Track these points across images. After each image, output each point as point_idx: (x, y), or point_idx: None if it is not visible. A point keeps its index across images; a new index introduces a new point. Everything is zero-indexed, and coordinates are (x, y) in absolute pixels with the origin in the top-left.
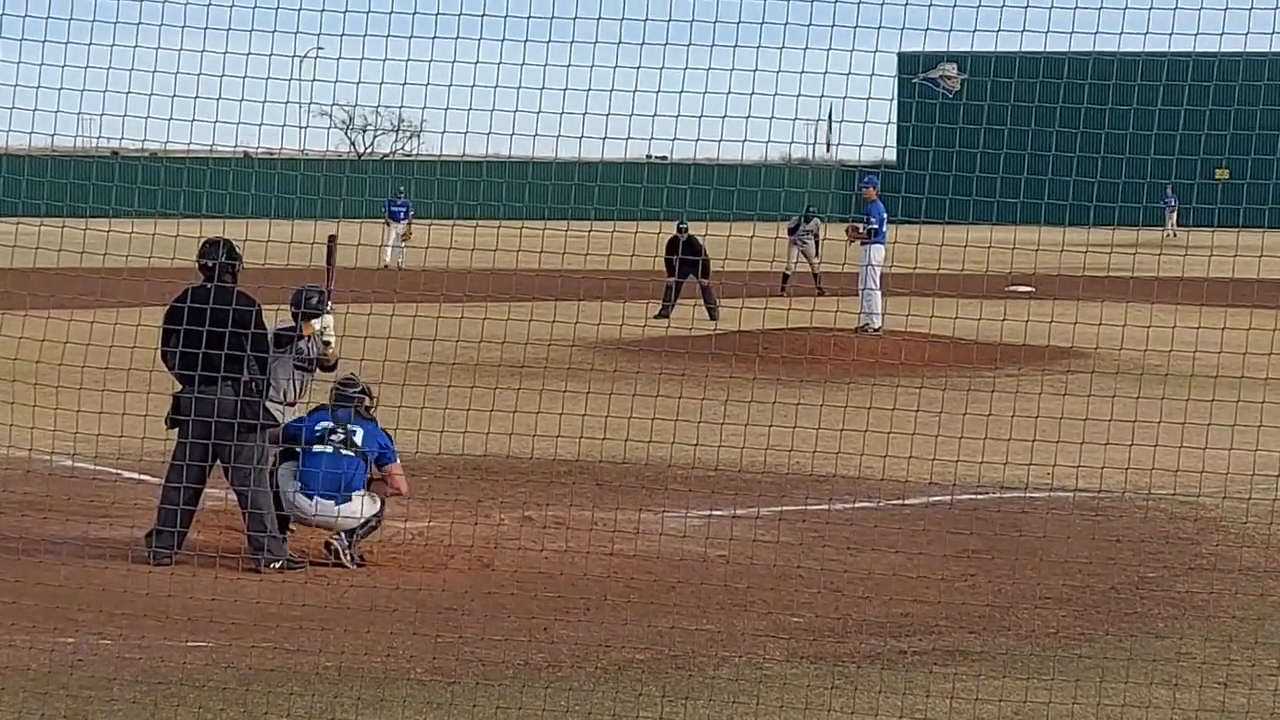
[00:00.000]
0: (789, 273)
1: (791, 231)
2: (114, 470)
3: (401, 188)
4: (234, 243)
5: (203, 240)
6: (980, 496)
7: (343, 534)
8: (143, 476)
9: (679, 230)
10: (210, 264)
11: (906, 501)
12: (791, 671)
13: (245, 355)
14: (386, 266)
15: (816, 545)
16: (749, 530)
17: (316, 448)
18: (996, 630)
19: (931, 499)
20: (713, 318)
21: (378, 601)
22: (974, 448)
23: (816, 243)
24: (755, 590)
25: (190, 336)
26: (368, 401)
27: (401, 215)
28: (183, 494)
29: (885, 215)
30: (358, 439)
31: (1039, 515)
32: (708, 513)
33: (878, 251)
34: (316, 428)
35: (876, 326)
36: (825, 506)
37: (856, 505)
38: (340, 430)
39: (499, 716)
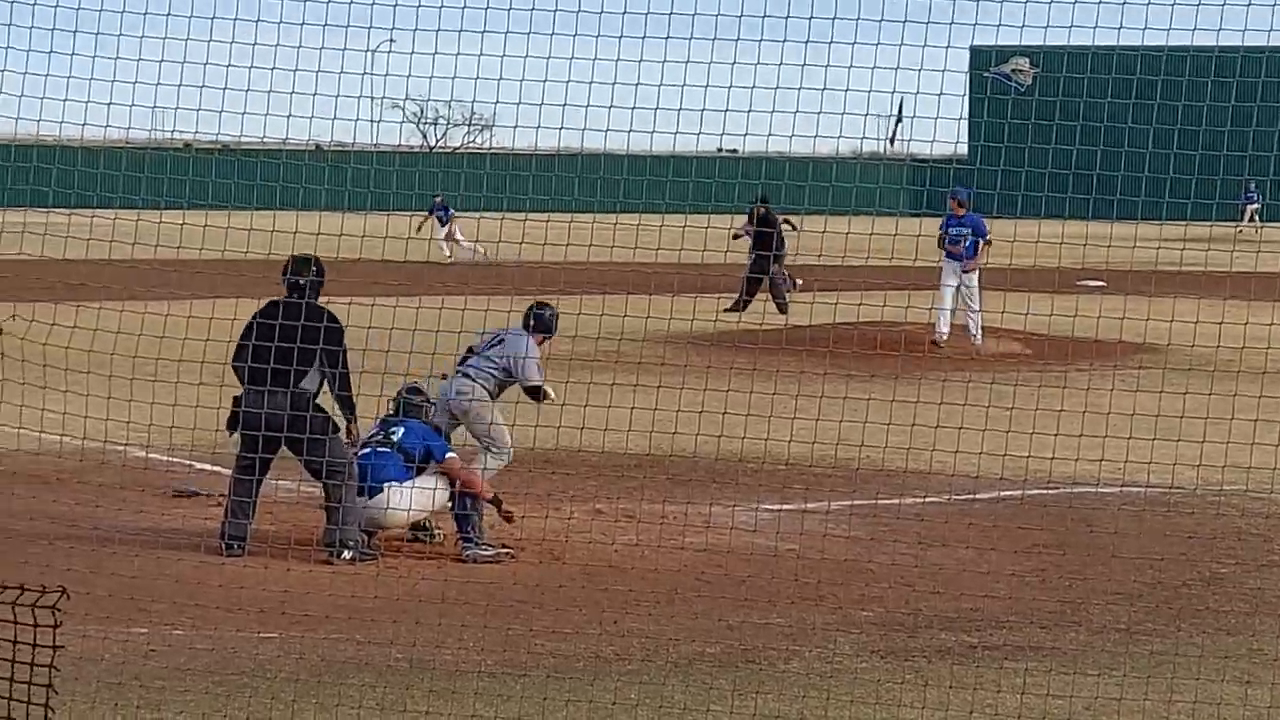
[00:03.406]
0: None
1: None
2: (187, 461)
3: (439, 193)
4: (321, 260)
5: (292, 257)
6: (1051, 492)
7: (466, 544)
8: (215, 468)
9: (757, 204)
10: (301, 281)
11: (977, 497)
12: (861, 665)
13: (323, 369)
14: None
15: (887, 540)
16: (819, 524)
17: (360, 452)
18: (1067, 625)
19: (1002, 494)
20: (782, 312)
21: (449, 594)
22: (1045, 443)
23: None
24: (825, 584)
25: (268, 347)
26: (429, 409)
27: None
28: (247, 487)
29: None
30: (396, 437)
31: (1110, 511)
32: (778, 507)
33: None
34: (367, 434)
35: (944, 334)
36: (896, 501)
37: (927, 500)
38: (382, 433)
39: (569, 709)
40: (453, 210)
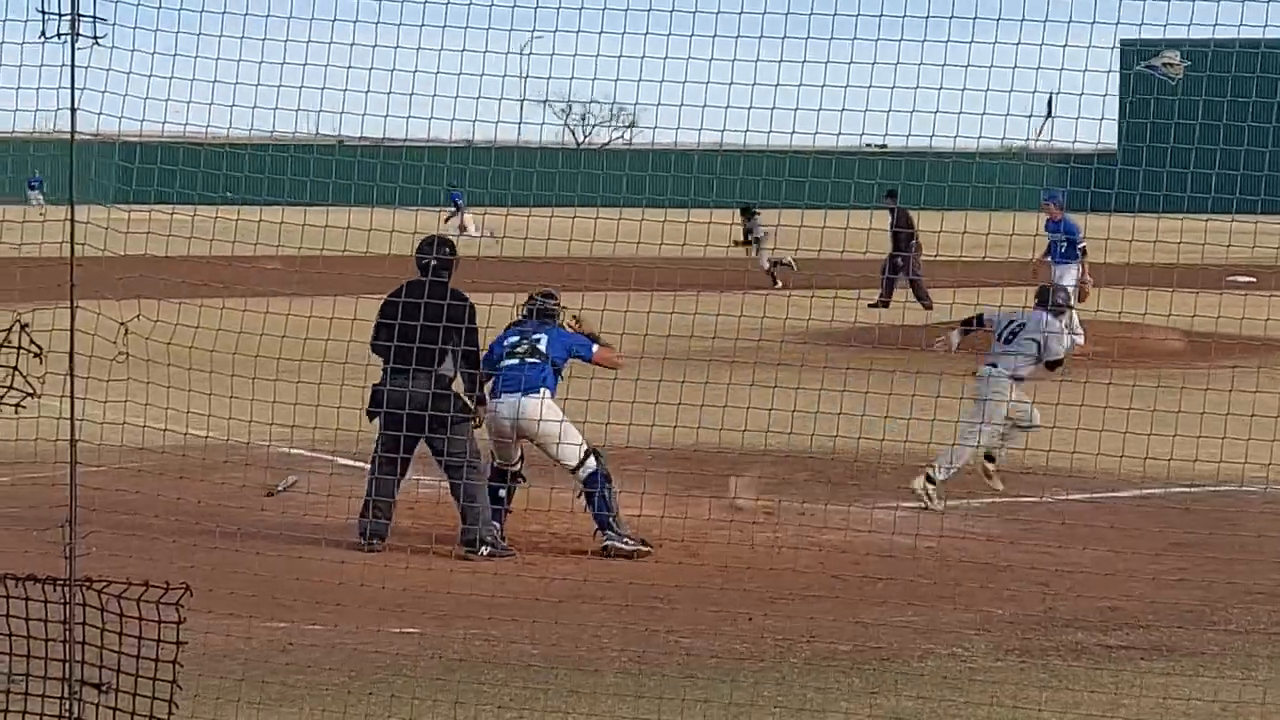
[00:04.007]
0: (781, 262)
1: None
2: (328, 456)
3: (453, 182)
4: (452, 241)
5: (425, 238)
6: (1193, 490)
7: (606, 533)
8: (356, 463)
9: (889, 198)
10: (429, 261)
11: (1117, 496)
12: (996, 664)
13: (455, 350)
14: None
15: (1025, 538)
16: (958, 522)
17: (505, 362)
18: (1207, 626)
19: (1142, 493)
20: (926, 307)
21: (583, 590)
22: (1187, 442)
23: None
24: (962, 583)
25: (406, 330)
26: (561, 315)
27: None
28: (387, 484)
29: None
30: (542, 346)
31: (1252, 510)
32: (917, 504)
33: (1069, 273)
34: (505, 343)
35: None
36: (1034, 499)
37: (1066, 498)
38: (526, 343)
39: (701, 706)
40: (462, 201)
